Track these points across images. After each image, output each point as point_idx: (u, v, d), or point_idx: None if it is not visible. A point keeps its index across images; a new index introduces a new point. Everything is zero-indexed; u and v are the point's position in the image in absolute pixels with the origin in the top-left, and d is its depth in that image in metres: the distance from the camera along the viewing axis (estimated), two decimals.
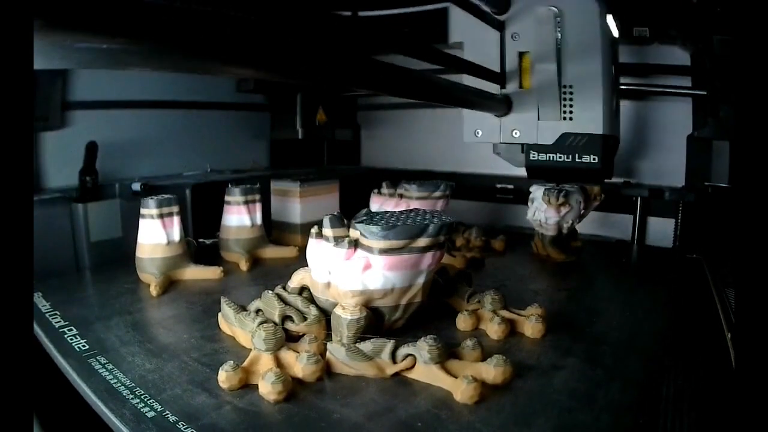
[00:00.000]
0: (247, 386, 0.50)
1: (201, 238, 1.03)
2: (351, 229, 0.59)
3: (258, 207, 0.98)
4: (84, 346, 0.60)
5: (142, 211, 0.83)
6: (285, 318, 0.59)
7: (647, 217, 1.16)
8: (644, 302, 0.77)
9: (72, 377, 0.54)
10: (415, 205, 0.92)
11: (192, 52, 0.32)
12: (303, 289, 0.63)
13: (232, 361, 0.51)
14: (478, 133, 0.89)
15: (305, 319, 0.59)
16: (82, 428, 0.54)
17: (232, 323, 0.61)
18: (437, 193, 0.94)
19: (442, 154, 1.42)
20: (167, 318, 0.69)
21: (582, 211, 0.96)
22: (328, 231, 0.59)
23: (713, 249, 0.99)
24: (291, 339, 0.58)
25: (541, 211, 0.95)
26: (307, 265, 0.63)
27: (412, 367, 0.52)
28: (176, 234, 0.84)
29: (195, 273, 0.86)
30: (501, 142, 0.88)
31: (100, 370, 0.54)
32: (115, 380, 0.52)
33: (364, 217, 0.60)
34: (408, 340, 0.54)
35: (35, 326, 0.65)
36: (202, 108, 1.27)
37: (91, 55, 0.28)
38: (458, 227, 1.06)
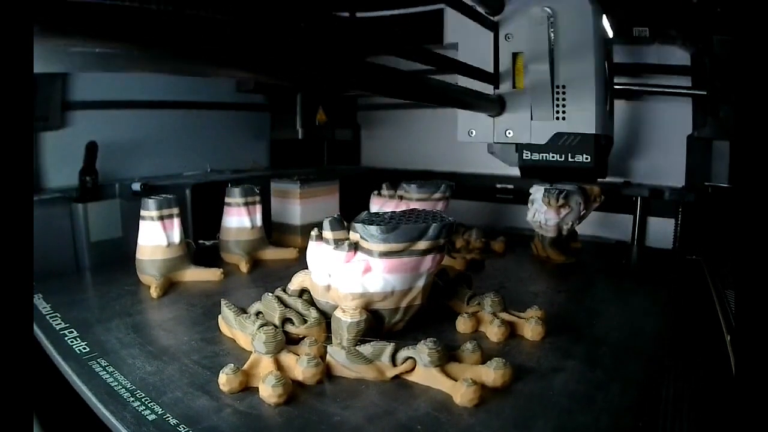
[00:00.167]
0: (247, 389, 0.50)
1: (201, 240, 1.03)
2: (351, 232, 0.59)
3: (258, 209, 0.98)
4: (84, 348, 0.60)
5: (142, 213, 0.83)
6: (285, 320, 0.59)
7: (647, 218, 1.16)
8: (644, 304, 0.77)
9: (73, 380, 0.54)
10: (415, 206, 0.92)
11: (188, 55, 0.32)
12: (303, 292, 0.64)
13: (232, 364, 0.51)
14: (472, 133, 0.89)
15: (305, 321, 0.59)
16: (83, 431, 0.54)
17: (232, 326, 0.61)
18: (437, 195, 0.95)
19: (442, 154, 1.42)
20: (167, 320, 0.70)
21: (582, 213, 0.96)
22: (328, 234, 0.60)
23: (713, 250, 0.99)
24: (291, 341, 0.58)
25: (541, 213, 0.95)
26: (307, 267, 0.63)
27: (412, 369, 0.53)
28: (176, 236, 0.84)
29: (195, 275, 0.86)
30: (495, 142, 0.89)
31: (101, 373, 0.54)
32: (116, 383, 0.52)
33: (364, 219, 0.60)
34: (408, 342, 0.54)
35: (36, 328, 0.65)
36: (202, 108, 1.27)
37: (91, 60, 0.28)
38: (458, 229, 1.06)
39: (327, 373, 0.53)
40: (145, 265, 0.82)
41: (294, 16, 0.42)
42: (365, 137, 1.59)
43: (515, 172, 1.02)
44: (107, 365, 0.56)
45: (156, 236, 0.82)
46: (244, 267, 0.91)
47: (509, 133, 0.86)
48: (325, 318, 0.60)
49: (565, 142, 0.83)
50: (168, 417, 0.46)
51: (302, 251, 0.83)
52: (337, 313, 0.57)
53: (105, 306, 0.74)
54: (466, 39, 0.86)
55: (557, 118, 0.82)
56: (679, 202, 1.09)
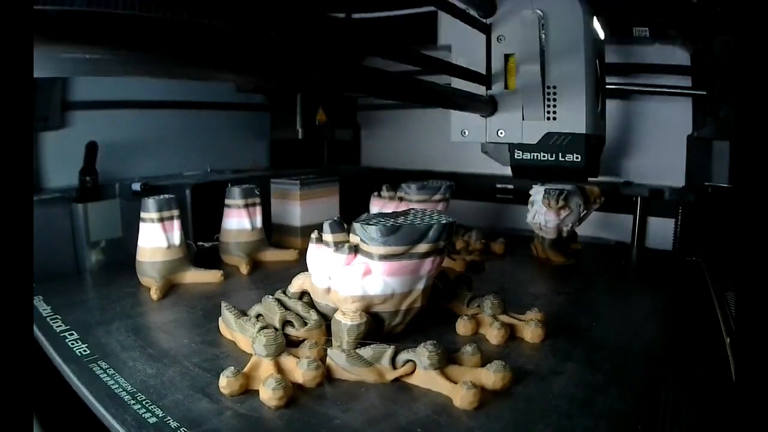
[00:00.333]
0: (248, 392, 0.51)
1: (201, 241, 1.03)
2: (351, 235, 0.59)
3: (258, 210, 0.98)
4: (85, 350, 0.60)
5: (143, 215, 0.83)
6: (285, 323, 0.60)
7: (647, 218, 1.16)
8: (643, 306, 0.77)
9: (73, 382, 0.54)
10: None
11: (184, 59, 0.32)
12: (303, 294, 0.64)
13: (232, 367, 0.51)
14: (464, 132, 0.89)
15: (305, 324, 0.59)
16: None
17: (232, 328, 0.61)
18: (437, 196, 0.95)
19: (442, 154, 1.42)
20: (168, 322, 0.70)
21: (582, 214, 0.96)
22: (328, 236, 0.60)
23: (713, 251, 0.99)
24: (291, 344, 0.58)
25: (541, 214, 0.95)
26: (307, 269, 0.63)
27: (412, 372, 0.53)
28: (176, 238, 0.84)
29: (195, 276, 0.86)
30: (487, 142, 0.89)
31: (102, 375, 0.54)
32: (117, 385, 0.52)
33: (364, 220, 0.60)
34: (408, 345, 0.54)
35: (37, 330, 0.65)
36: (202, 108, 1.27)
37: (88, 65, 0.28)
38: (458, 230, 1.06)
39: (327, 376, 0.53)
40: (145, 267, 0.82)
41: (285, 19, 0.42)
42: (365, 137, 1.59)
43: None
44: (108, 368, 0.56)
45: (156, 238, 0.82)
46: (244, 269, 0.92)
47: (501, 133, 0.86)
48: (326, 320, 0.60)
49: (556, 142, 0.83)
50: (169, 420, 0.47)
51: (302, 253, 0.83)
52: (337, 316, 0.57)
53: (105, 308, 0.74)
54: (459, 41, 0.87)
55: (548, 118, 0.83)
56: (679, 202, 1.09)
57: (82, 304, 0.76)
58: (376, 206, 1.00)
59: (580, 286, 0.87)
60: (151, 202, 0.83)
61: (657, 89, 1.13)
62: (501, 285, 0.85)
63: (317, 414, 0.48)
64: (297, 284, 0.64)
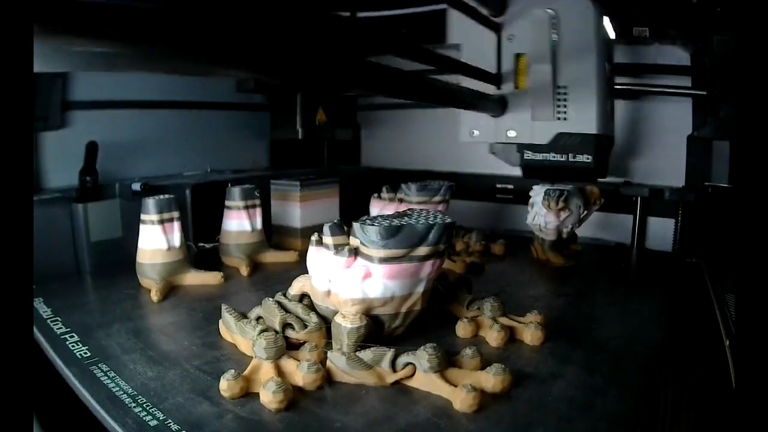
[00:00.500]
0: (248, 395, 0.51)
1: (201, 242, 1.03)
2: (351, 237, 0.59)
3: (258, 212, 0.98)
4: (86, 353, 0.60)
5: (143, 216, 0.83)
6: (285, 326, 0.60)
7: (647, 218, 1.16)
8: (643, 308, 0.77)
9: (74, 385, 0.54)
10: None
11: (188, 54, 0.32)
12: (303, 297, 0.64)
13: (233, 370, 0.51)
14: (474, 133, 0.90)
15: (306, 326, 0.60)
16: None
17: (233, 331, 0.61)
18: (437, 198, 0.95)
19: (442, 154, 1.42)
20: (168, 325, 0.70)
21: (582, 215, 0.96)
22: (328, 239, 0.60)
23: (713, 253, 0.99)
24: (291, 347, 0.58)
25: (541, 216, 0.95)
26: (307, 271, 0.63)
27: (412, 375, 0.53)
28: (177, 239, 0.84)
29: (195, 278, 0.86)
30: (496, 142, 0.90)
31: (102, 378, 0.54)
32: (117, 388, 0.52)
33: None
34: (408, 348, 0.54)
35: (37, 333, 0.65)
36: (202, 108, 1.27)
37: (91, 59, 0.28)
38: (458, 231, 1.06)
39: (327, 379, 0.53)
40: (145, 269, 0.83)
41: (296, 15, 0.42)
42: (365, 137, 1.59)
43: (515, 171, 1.02)
44: (108, 370, 0.56)
45: (156, 240, 0.82)
46: (244, 270, 0.92)
47: (511, 133, 0.87)
48: (326, 323, 0.60)
49: (567, 142, 0.84)
50: (170, 423, 0.47)
51: (302, 254, 0.83)
52: (338, 319, 0.57)
53: (106, 310, 0.74)
54: (469, 40, 0.87)
55: (559, 119, 0.83)
56: (679, 202, 1.09)
57: (82, 306, 0.76)
58: (376, 208, 1.00)
59: (580, 288, 0.87)
60: (151, 203, 0.83)
61: (657, 89, 1.13)
62: (501, 287, 0.85)
63: (317, 417, 0.48)
64: (297, 287, 0.64)
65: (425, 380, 0.52)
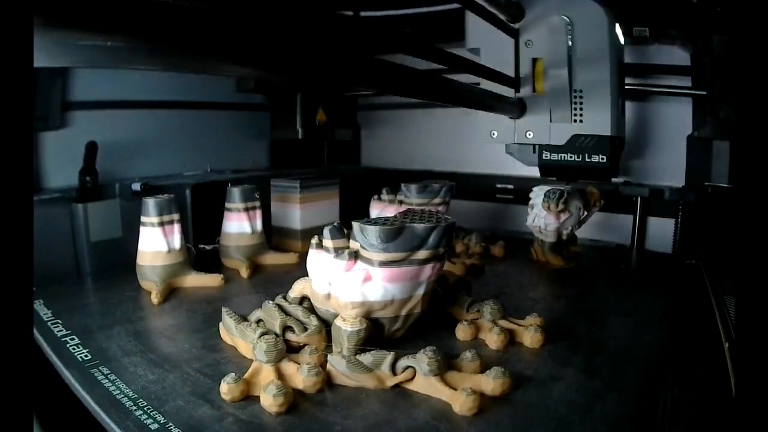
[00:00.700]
0: (248, 398, 0.51)
1: (201, 242, 1.03)
2: (351, 241, 0.59)
3: (258, 214, 0.98)
4: (86, 356, 0.60)
5: (143, 219, 0.83)
6: (286, 328, 0.60)
7: (647, 218, 1.17)
8: (643, 310, 0.78)
9: (75, 388, 0.54)
10: None
11: (194, 50, 0.32)
12: (303, 299, 0.64)
13: (233, 373, 0.51)
14: (493, 134, 0.92)
15: (306, 329, 0.60)
16: None
17: (233, 333, 0.62)
18: (437, 200, 0.95)
19: (442, 154, 1.42)
20: (168, 327, 0.70)
21: (582, 217, 0.96)
22: (328, 242, 0.60)
23: (712, 254, 0.99)
24: (291, 350, 0.58)
25: (541, 218, 0.95)
26: (307, 273, 0.63)
27: (412, 378, 0.53)
28: (177, 242, 0.84)
29: (196, 280, 0.86)
30: (515, 143, 0.92)
31: (103, 381, 0.55)
32: (118, 391, 0.53)
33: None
34: (408, 350, 0.54)
35: (38, 335, 0.65)
36: (202, 108, 1.27)
37: (94, 53, 0.28)
38: (458, 233, 1.06)
39: (327, 382, 0.54)
40: (145, 271, 0.83)
41: (311, 14, 0.41)
42: (365, 137, 1.59)
43: (515, 172, 1.02)
44: (109, 373, 0.56)
45: (156, 242, 0.82)
46: (244, 272, 0.92)
47: (530, 134, 0.90)
48: (326, 326, 0.60)
49: (582, 143, 0.87)
50: (171, 426, 0.47)
51: (302, 256, 0.83)
52: (338, 322, 0.57)
53: (106, 312, 0.74)
54: (487, 44, 0.90)
55: (575, 121, 0.86)
56: (679, 202, 1.09)
57: (83, 308, 0.76)
58: (376, 209, 1.00)
59: (579, 290, 0.87)
60: (151, 206, 0.83)
61: (657, 89, 1.13)
62: (501, 289, 0.85)
63: (318, 420, 0.48)
64: (297, 289, 0.64)
65: (425, 383, 0.52)
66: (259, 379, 0.52)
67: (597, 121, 0.85)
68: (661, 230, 1.14)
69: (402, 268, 0.56)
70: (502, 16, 0.83)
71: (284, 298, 0.65)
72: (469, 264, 0.94)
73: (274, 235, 1.11)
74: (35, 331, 0.66)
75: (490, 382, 0.51)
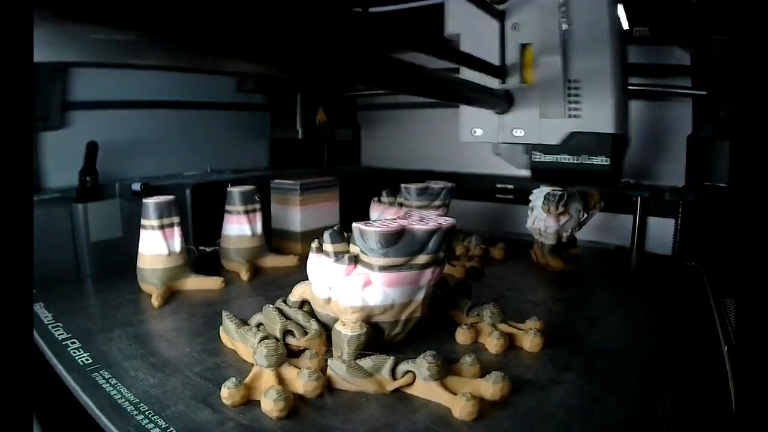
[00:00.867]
0: (249, 402, 0.51)
1: (201, 245, 1.03)
2: (351, 245, 0.59)
3: (258, 216, 0.98)
4: (87, 359, 0.60)
5: (143, 221, 0.83)
6: (286, 332, 0.60)
7: (647, 219, 1.17)
8: (643, 313, 0.78)
9: (76, 392, 0.55)
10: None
11: (205, 48, 0.31)
12: (304, 303, 0.64)
13: (234, 378, 0.51)
14: (475, 132, 0.83)
15: (306, 333, 0.60)
16: None
17: (233, 337, 0.62)
18: (437, 202, 0.95)
19: (442, 154, 1.42)
20: (169, 330, 0.70)
21: (581, 219, 0.96)
22: (328, 246, 0.60)
23: (712, 256, 0.99)
24: (292, 354, 0.58)
25: (541, 220, 0.95)
26: (307, 275, 0.63)
27: (412, 383, 0.53)
28: (177, 244, 0.84)
29: (196, 283, 0.86)
30: (501, 142, 0.83)
31: (104, 385, 0.55)
32: (119, 395, 0.53)
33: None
34: (408, 356, 0.54)
35: (38, 338, 0.65)
36: (202, 108, 1.27)
37: (100, 48, 0.27)
38: (458, 235, 1.06)
39: (328, 387, 0.54)
40: (146, 274, 0.83)
41: (300, 9, 0.41)
42: (365, 137, 1.59)
43: (515, 171, 0.99)
44: (110, 377, 0.56)
45: (157, 245, 0.82)
46: (244, 275, 0.92)
47: (518, 132, 0.80)
48: (326, 330, 0.60)
49: (580, 143, 0.77)
50: (172, 430, 0.47)
51: (302, 258, 0.83)
52: (338, 326, 0.57)
53: (106, 315, 0.74)
54: (468, 29, 0.80)
55: (570, 116, 0.76)
56: (679, 203, 1.09)
57: (83, 311, 0.76)
58: (376, 212, 1.00)
59: (579, 293, 0.87)
60: (151, 208, 0.83)
61: (657, 89, 1.13)
62: (500, 292, 0.85)
63: (318, 425, 0.48)
64: (297, 293, 0.64)
65: (425, 388, 0.52)
66: (260, 383, 0.53)
67: (597, 116, 0.75)
68: (661, 231, 1.14)
69: (402, 272, 0.56)
70: None
71: (284, 301, 0.65)
72: (469, 266, 0.94)
73: (274, 238, 1.11)
74: (36, 334, 0.66)
75: (490, 387, 0.51)
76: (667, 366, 0.60)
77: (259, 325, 0.63)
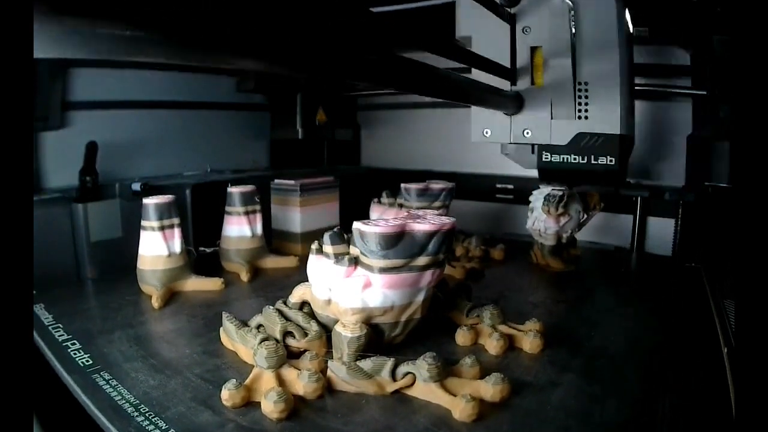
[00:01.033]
0: (249, 404, 0.51)
1: (201, 246, 1.03)
2: (351, 246, 0.59)
3: (258, 217, 0.98)
4: (87, 361, 0.60)
5: (143, 223, 0.83)
6: (286, 334, 0.60)
7: (647, 219, 1.17)
8: (642, 315, 0.78)
9: (77, 393, 0.55)
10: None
11: (207, 45, 0.31)
12: (304, 304, 0.64)
13: (234, 380, 0.52)
14: (486, 132, 0.84)
15: (306, 335, 0.60)
16: None
17: (233, 339, 0.62)
18: (437, 203, 0.95)
19: (442, 154, 1.42)
20: (169, 332, 0.70)
21: (581, 220, 0.96)
22: (328, 248, 0.60)
23: (712, 257, 0.99)
24: (292, 355, 0.58)
25: (541, 221, 0.95)
26: (307, 276, 0.63)
27: (412, 384, 0.53)
28: (177, 246, 0.85)
29: (196, 284, 0.86)
30: (511, 143, 0.84)
31: (105, 387, 0.55)
32: (120, 397, 0.53)
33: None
34: (408, 357, 0.54)
35: (39, 340, 0.65)
36: (202, 108, 1.27)
37: (101, 44, 0.27)
38: (458, 236, 1.06)
39: (328, 388, 0.54)
40: (146, 275, 0.83)
41: (310, 8, 0.41)
42: (365, 137, 1.59)
43: (516, 172, 0.99)
44: (110, 378, 0.57)
45: (157, 246, 0.83)
46: (244, 276, 0.92)
47: (527, 132, 0.81)
48: (326, 331, 0.60)
49: (588, 143, 0.79)
50: None
51: (303, 259, 0.83)
52: (338, 328, 0.57)
53: (107, 316, 0.74)
54: (479, 31, 0.82)
55: (579, 118, 0.78)
56: (679, 203, 1.09)
57: (83, 312, 0.76)
58: (376, 212, 1.00)
59: (579, 294, 0.87)
60: (151, 210, 0.83)
61: (657, 89, 1.13)
62: (500, 293, 0.85)
63: (318, 426, 0.48)
64: (297, 294, 0.64)
65: (425, 390, 0.52)
66: (260, 385, 0.53)
67: (604, 117, 0.77)
68: (661, 231, 1.14)
69: (402, 274, 0.57)
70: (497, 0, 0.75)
71: (284, 303, 0.65)
72: (469, 267, 0.94)
73: (274, 238, 1.11)
74: (36, 335, 0.66)
75: (490, 389, 0.52)
76: (667, 367, 0.61)
77: (259, 326, 0.63)
